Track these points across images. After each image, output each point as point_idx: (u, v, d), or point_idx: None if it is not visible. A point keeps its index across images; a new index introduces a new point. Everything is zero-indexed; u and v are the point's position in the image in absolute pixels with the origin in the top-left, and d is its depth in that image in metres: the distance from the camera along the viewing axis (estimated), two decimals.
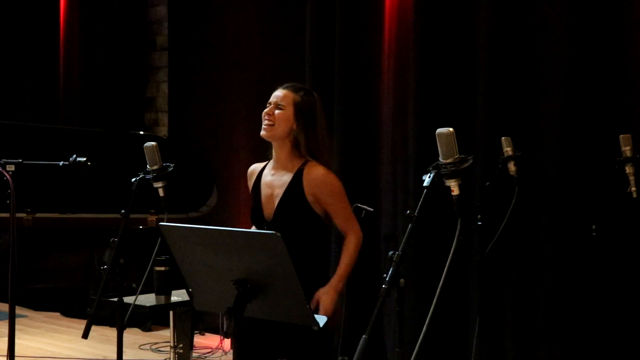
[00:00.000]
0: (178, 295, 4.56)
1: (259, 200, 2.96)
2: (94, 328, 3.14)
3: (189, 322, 4.70)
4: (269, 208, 2.92)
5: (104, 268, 3.15)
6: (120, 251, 3.14)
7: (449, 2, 4.87)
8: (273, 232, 2.21)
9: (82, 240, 5.20)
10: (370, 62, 5.27)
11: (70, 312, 7.10)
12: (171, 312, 4.58)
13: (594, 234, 3.93)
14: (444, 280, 2.28)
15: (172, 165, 3.31)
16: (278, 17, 6.19)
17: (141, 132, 6.38)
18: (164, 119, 7.21)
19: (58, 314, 7.19)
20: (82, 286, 6.47)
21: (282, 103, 2.90)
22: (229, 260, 2.29)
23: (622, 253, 4.17)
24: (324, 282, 2.89)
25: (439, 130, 2.35)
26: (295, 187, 2.86)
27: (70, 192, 5.38)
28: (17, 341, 3.81)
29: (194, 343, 5.12)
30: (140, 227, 5.47)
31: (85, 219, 5.50)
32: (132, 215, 3.31)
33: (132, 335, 6.14)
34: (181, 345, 4.64)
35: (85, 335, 3.09)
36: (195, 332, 5.51)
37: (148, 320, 6.37)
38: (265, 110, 2.92)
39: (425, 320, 2.26)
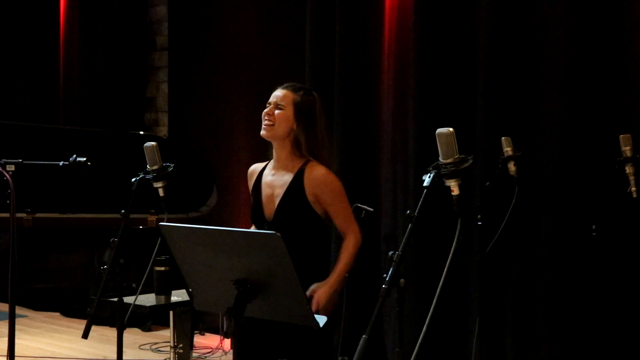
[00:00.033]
0: (178, 295, 4.56)
1: (260, 200, 2.96)
2: (94, 328, 3.14)
3: (189, 322, 4.70)
4: (270, 208, 2.92)
5: (104, 268, 3.15)
6: (120, 251, 3.14)
7: (449, 2, 4.87)
8: (273, 232, 2.21)
9: (82, 240, 5.20)
10: (370, 62, 5.27)
11: (70, 312, 7.10)
12: (171, 312, 4.58)
13: (594, 234, 3.93)
14: (444, 280, 2.28)
15: (172, 165, 3.31)
16: (278, 17, 6.19)
17: (141, 132, 6.38)
18: (164, 119, 7.21)
19: (58, 314, 7.19)
20: (82, 286, 6.47)
21: (282, 103, 2.90)
22: (229, 260, 2.29)
23: (622, 253, 4.17)
24: None
25: (439, 130, 2.35)
26: (296, 187, 2.86)
27: (70, 192, 5.38)
28: (17, 341, 3.81)
29: (194, 343, 5.12)
30: (140, 227, 5.47)
31: (85, 219, 5.50)
32: (132, 215, 3.31)
33: (132, 335, 6.13)
34: (181, 345, 4.64)
35: (85, 335, 3.09)
36: (195, 332, 5.51)
37: (148, 320, 6.37)
38: (265, 110, 2.92)
39: (425, 320, 2.26)
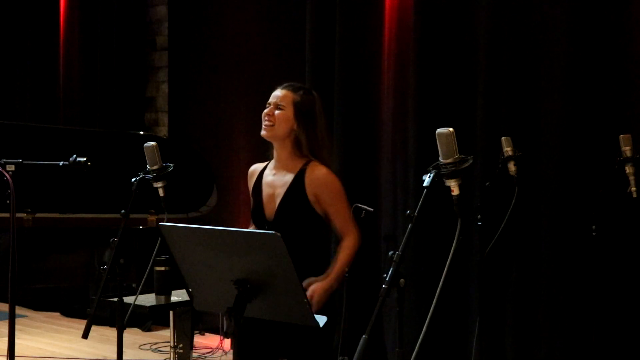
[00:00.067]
0: (178, 295, 4.56)
1: (260, 200, 2.95)
2: (94, 328, 3.14)
3: (189, 322, 4.70)
4: (270, 208, 2.92)
5: (104, 268, 3.15)
6: (120, 251, 3.14)
7: (449, 2, 4.87)
8: (273, 232, 2.21)
9: (82, 240, 5.20)
10: (370, 62, 5.27)
11: (70, 312, 7.10)
12: (171, 312, 4.58)
13: (594, 234, 3.93)
14: (444, 280, 2.28)
15: (172, 165, 3.31)
16: (278, 17, 6.19)
17: (141, 132, 6.38)
18: (164, 119, 7.21)
19: (58, 314, 7.19)
20: (82, 286, 6.47)
21: (282, 103, 2.90)
22: (229, 260, 2.29)
23: (622, 253, 4.17)
24: None
25: (439, 130, 2.35)
26: (296, 187, 2.86)
27: (70, 192, 5.38)
28: (17, 341, 3.81)
29: (194, 343, 5.12)
30: (140, 227, 5.47)
31: (85, 219, 5.50)
32: (132, 215, 3.30)
33: (132, 335, 6.13)
34: (181, 345, 4.64)
35: (85, 335, 3.09)
36: (195, 332, 5.51)
37: (148, 320, 6.37)
38: (265, 111, 2.92)
39: (425, 320, 2.26)
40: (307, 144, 2.89)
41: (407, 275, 2.28)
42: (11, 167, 3.66)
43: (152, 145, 3.31)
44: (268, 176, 2.98)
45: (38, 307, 7.31)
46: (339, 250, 2.88)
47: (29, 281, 5.00)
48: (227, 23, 6.59)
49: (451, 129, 2.34)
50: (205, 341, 5.95)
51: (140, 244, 5.00)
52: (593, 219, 3.95)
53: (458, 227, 2.28)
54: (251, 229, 2.99)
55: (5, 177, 3.60)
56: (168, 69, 7.13)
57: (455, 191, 2.34)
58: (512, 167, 4.13)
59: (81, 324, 4.39)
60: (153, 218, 5.65)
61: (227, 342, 5.67)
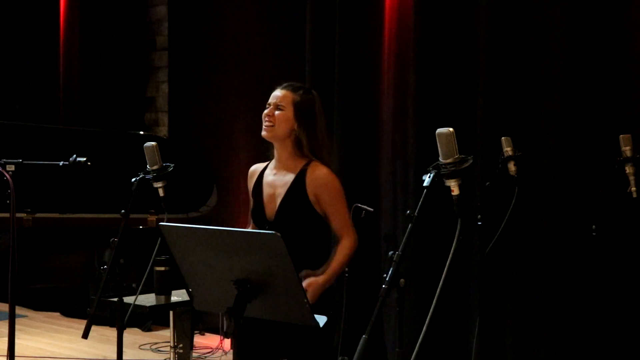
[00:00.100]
0: (178, 295, 4.56)
1: (261, 200, 2.95)
2: (94, 328, 3.14)
3: (189, 322, 4.70)
4: (271, 208, 2.92)
5: (104, 268, 3.15)
6: (120, 251, 3.14)
7: (449, 2, 4.87)
8: (273, 232, 2.21)
9: (82, 240, 5.20)
10: (370, 62, 5.27)
11: (70, 312, 7.09)
12: (171, 312, 4.58)
13: (594, 234, 3.93)
14: (444, 280, 2.28)
15: (172, 165, 3.31)
16: (278, 17, 6.19)
17: (141, 132, 6.38)
18: (164, 119, 7.21)
19: (58, 314, 7.19)
20: (82, 286, 6.47)
21: (282, 104, 2.90)
22: (229, 260, 2.29)
23: (622, 253, 4.17)
24: None
25: (439, 130, 2.35)
26: (297, 187, 2.86)
27: (70, 192, 5.38)
28: (17, 341, 3.81)
29: (194, 343, 5.12)
30: (140, 227, 5.48)
31: (85, 219, 5.51)
32: (132, 215, 3.31)
33: (132, 335, 6.13)
34: (181, 345, 4.64)
35: (85, 335, 3.09)
36: (195, 332, 5.51)
37: (148, 320, 6.37)
38: (265, 111, 2.92)
39: (425, 320, 2.26)
40: (307, 144, 2.89)
41: (407, 275, 2.28)
42: (11, 167, 3.66)
43: (152, 145, 3.31)
44: (269, 176, 2.98)
45: (38, 307, 7.31)
46: (336, 250, 2.86)
47: (29, 281, 5.00)
48: (227, 23, 6.59)
49: (451, 129, 2.34)
50: (205, 341, 5.95)
51: (140, 244, 5.01)
52: (593, 219, 3.95)
53: (458, 227, 2.28)
54: (249, 229, 2.98)
55: (5, 177, 3.60)
56: (168, 69, 7.13)
57: (455, 191, 2.34)
58: (512, 167, 4.13)
59: (81, 324, 4.39)
60: (153, 218, 5.65)
61: (227, 342, 5.67)
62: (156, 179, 3.29)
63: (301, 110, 2.89)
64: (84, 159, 3.71)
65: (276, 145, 2.95)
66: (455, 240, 2.27)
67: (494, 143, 4.38)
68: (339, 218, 2.87)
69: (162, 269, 4.53)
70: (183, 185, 4.63)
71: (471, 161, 2.33)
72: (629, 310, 4.17)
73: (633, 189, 3.78)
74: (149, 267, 3.59)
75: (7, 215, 3.67)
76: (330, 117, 5.11)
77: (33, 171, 4.05)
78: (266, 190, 2.95)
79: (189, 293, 2.47)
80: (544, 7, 4.50)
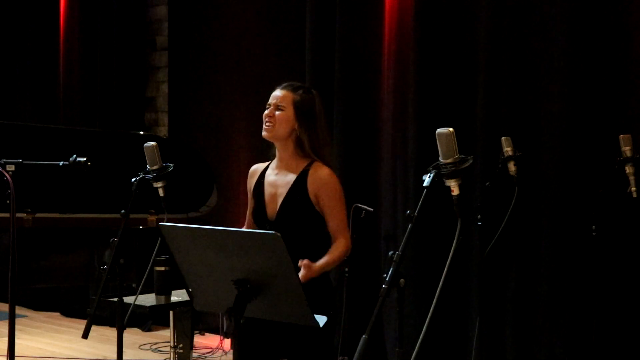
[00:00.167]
0: (178, 295, 4.55)
1: (262, 200, 2.95)
2: (94, 328, 3.14)
3: (189, 322, 4.69)
4: (272, 208, 2.92)
5: (104, 268, 3.15)
6: (120, 251, 3.14)
7: (449, 2, 4.87)
8: (273, 232, 2.21)
9: (82, 240, 5.20)
10: (370, 62, 5.27)
11: (70, 312, 7.10)
12: (171, 312, 4.58)
13: (594, 234, 3.93)
14: (444, 280, 2.28)
15: (172, 165, 3.31)
16: (278, 17, 6.19)
17: (141, 132, 6.38)
18: (164, 119, 7.21)
19: (58, 314, 7.20)
20: (82, 286, 6.47)
21: (282, 104, 2.90)
22: (229, 260, 2.29)
23: (622, 253, 4.17)
24: (324, 282, 2.89)
25: (439, 130, 2.35)
26: (299, 187, 2.86)
27: (70, 192, 5.38)
28: (17, 341, 3.81)
29: (194, 343, 5.12)
30: (140, 227, 5.47)
31: (85, 219, 5.50)
32: (132, 215, 3.31)
33: (132, 335, 6.14)
34: (181, 345, 4.64)
35: (85, 335, 3.09)
36: (195, 332, 5.51)
37: (148, 320, 6.37)
38: (266, 112, 2.92)
39: (425, 320, 2.26)
40: (309, 143, 2.89)
41: (407, 275, 2.28)
42: (11, 167, 3.66)
43: (152, 145, 3.31)
44: (270, 176, 2.98)
45: (38, 307, 7.31)
46: (331, 249, 2.84)
47: (29, 281, 5.00)
48: (227, 23, 6.59)
49: (451, 129, 2.34)
50: (205, 341, 5.95)
51: (140, 244, 5.00)
52: (593, 219, 3.95)
53: (458, 227, 2.28)
54: (249, 229, 2.98)
55: (5, 177, 3.60)
56: (168, 69, 7.13)
57: (455, 191, 2.34)
58: (512, 167, 4.13)
59: (81, 324, 4.39)
60: (153, 218, 5.65)
61: (227, 342, 5.67)
62: (156, 179, 3.29)
63: (301, 110, 2.89)
64: (84, 159, 3.71)
65: (277, 145, 2.95)
66: (455, 240, 2.27)
67: (494, 143, 4.38)
68: (335, 220, 2.86)
69: (162, 269, 4.53)
70: (183, 185, 4.62)
71: (471, 161, 2.33)
72: (629, 310, 4.17)
73: (633, 189, 3.78)
74: (149, 267, 3.58)
75: (7, 215, 3.67)
76: (330, 117, 5.11)
77: (33, 171, 4.05)
78: (267, 190, 2.95)
79: (189, 293, 2.47)
80: (544, 7, 4.50)
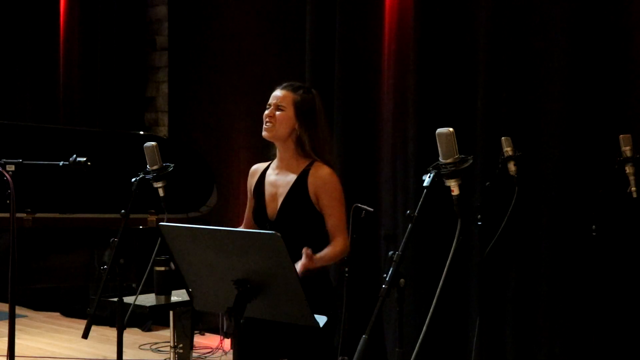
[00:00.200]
0: (178, 295, 4.56)
1: (263, 200, 2.95)
2: (94, 328, 3.14)
3: (189, 322, 4.70)
4: (272, 207, 2.92)
5: (104, 268, 3.15)
6: (120, 251, 3.14)
7: (449, 2, 4.87)
8: (273, 232, 2.21)
9: (82, 240, 5.20)
10: (370, 62, 5.27)
11: (70, 312, 7.10)
12: (171, 312, 4.58)
13: (594, 234, 3.93)
14: (444, 280, 2.28)
15: (172, 165, 3.31)
16: (278, 17, 6.19)
17: (141, 132, 6.38)
18: (164, 119, 7.21)
19: (58, 314, 7.20)
20: (82, 286, 6.47)
21: (282, 104, 2.90)
22: (229, 260, 2.29)
23: (622, 253, 4.17)
24: (324, 282, 2.89)
25: (439, 130, 2.35)
26: (299, 187, 2.86)
27: (70, 192, 5.38)
28: (17, 341, 3.81)
29: (194, 343, 5.12)
30: (140, 227, 5.47)
31: (85, 219, 5.50)
32: (132, 215, 3.31)
33: (132, 335, 6.14)
34: (181, 345, 4.64)
35: (85, 335, 3.09)
36: (195, 332, 5.51)
37: (148, 320, 6.37)
38: (266, 112, 2.92)
39: (425, 320, 2.26)
40: (309, 143, 2.89)
41: (407, 275, 2.28)
42: (11, 167, 3.66)
43: (152, 145, 3.31)
44: (271, 176, 2.98)
45: (38, 307, 7.31)
46: (329, 246, 2.83)
47: (29, 281, 4.99)
48: (227, 23, 6.59)
49: (451, 129, 2.34)
50: (205, 341, 5.95)
51: (140, 244, 5.00)
52: (593, 219, 3.95)
53: (458, 227, 2.28)
54: (249, 229, 2.98)
55: (5, 177, 3.60)
56: (168, 69, 7.12)
57: (455, 191, 2.34)
58: (512, 167, 4.13)
59: (81, 324, 4.39)
60: (153, 218, 5.64)
61: (227, 342, 5.67)
62: (156, 179, 3.29)
63: (302, 110, 2.89)
64: (84, 159, 3.71)
65: (278, 145, 2.95)
66: (455, 240, 2.27)
67: (494, 143, 4.38)
68: (334, 219, 2.85)
69: (162, 269, 4.53)
70: (183, 185, 4.62)
71: (471, 161, 2.33)
72: (629, 310, 4.17)
73: (633, 189, 3.78)
74: (149, 267, 3.58)
75: (7, 215, 3.67)
76: (330, 116, 5.11)
77: (33, 171, 4.05)
78: (268, 190, 2.95)
79: (189, 293, 2.48)
80: (544, 7, 4.50)
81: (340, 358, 4.38)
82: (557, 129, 4.41)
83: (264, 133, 2.92)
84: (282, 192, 2.90)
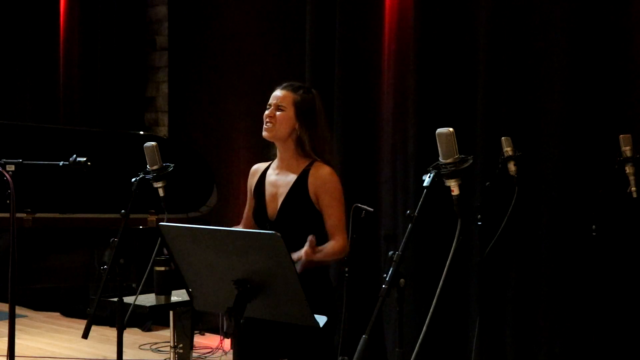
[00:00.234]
0: (178, 295, 4.56)
1: (263, 200, 2.95)
2: (94, 328, 3.14)
3: (189, 322, 4.69)
4: (273, 207, 2.92)
5: (104, 268, 3.15)
6: (120, 251, 3.14)
7: (449, 2, 4.87)
8: (273, 232, 2.21)
9: (82, 240, 5.19)
10: (370, 62, 5.27)
11: (70, 312, 7.10)
12: (171, 312, 4.58)
13: (594, 234, 3.93)
14: (444, 280, 2.28)
15: (172, 165, 3.31)
16: (278, 17, 6.19)
17: (141, 132, 6.38)
18: (164, 119, 7.21)
19: (58, 314, 7.20)
20: (82, 286, 6.47)
21: (282, 104, 2.90)
22: (229, 260, 2.29)
23: (622, 253, 4.17)
24: (324, 282, 2.89)
25: (439, 130, 2.35)
26: (299, 186, 2.86)
27: (70, 192, 5.38)
28: (17, 341, 3.81)
29: (194, 343, 5.12)
30: (140, 227, 5.47)
31: (85, 219, 5.50)
32: (132, 215, 3.31)
33: (132, 335, 6.14)
34: (181, 345, 4.64)
35: (85, 335, 3.09)
36: (195, 332, 5.51)
37: (148, 320, 6.37)
38: (266, 112, 2.92)
39: (425, 320, 2.26)
40: (309, 143, 2.90)
41: (407, 275, 2.28)
42: (11, 167, 3.66)
43: (152, 145, 3.31)
44: (271, 176, 2.98)
45: (38, 307, 7.31)
46: (329, 243, 2.82)
47: (29, 281, 4.99)
48: (227, 23, 6.59)
49: (451, 129, 2.34)
50: (205, 341, 5.95)
51: (140, 244, 5.00)
52: (593, 219, 3.95)
53: (458, 227, 2.28)
54: (244, 229, 2.99)
55: (5, 177, 3.60)
56: (168, 69, 7.12)
57: (455, 191, 2.34)
58: (512, 167, 4.13)
59: (81, 324, 4.39)
60: (153, 218, 5.64)
61: (227, 342, 5.67)
62: (156, 179, 3.29)
63: (302, 110, 2.90)
64: (84, 159, 3.71)
65: (278, 145, 2.95)
66: (455, 240, 2.27)
67: (494, 143, 4.38)
68: (333, 218, 2.85)
69: (162, 269, 4.53)
70: (183, 185, 4.62)
71: (471, 161, 2.33)
72: (629, 310, 4.17)
73: (633, 189, 3.78)
74: (149, 267, 3.58)
75: (7, 215, 3.67)
76: (330, 116, 5.11)
77: (33, 171, 4.05)
78: (268, 190, 2.95)
79: (189, 293, 2.48)
80: (544, 8, 4.50)
81: (340, 358, 4.38)
82: (557, 129, 4.41)
83: (264, 133, 2.92)
84: (282, 192, 2.90)
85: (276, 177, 2.95)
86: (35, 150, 4.57)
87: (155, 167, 3.29)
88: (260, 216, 2.95)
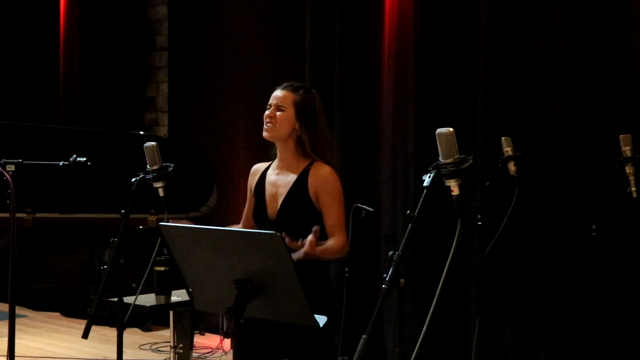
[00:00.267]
0: (178, 295, 4.56)
1: (263, 199, 2.95)
2: (94, 328, 3.14)
3: (189, 322, 4.69)
4: (273, 207, 2.92)
5: (104, 268, 3.15)
6: (120, 251, 3.14)
7: (449, 2, 4.87)
8: (273, 232, 2.21)
9: (82, 240, 5.20)
10: (370, 62, 5.28)
11: (70, 312, 7.10)
12: (171, 312, 4.58)
13: (594, 234, 3.93)
14: (444, 280, 2.28)
15: (172, 165, 3.31)
16: (278, 17, 6.19)
17: (141, 132, 6.38)
18: (164, 119, 7.21)
19: (58, 314, 7.20)
20: (82, 286, 6.47)
21: (283, 104, 2.90)
22: (229, 260, 2.29)
23: (622, 253, 4.17)
24: (324, 282, 2.89)
25: (439, 130, 2.35)
26: (299, 187, 2.86)
27: (70, 192, 5.38)
28: (17, 341, 3.81)
29: (194, 343, 5.12)
30: (140, 227, 5.47)
31: (85, 219, 5.50)
32: (132, 215, 3.31)
33: (132, 335, 6.14)
34: (181, 345, 4.64)
35: (85, 335, 3.09)
36: (195, 332, 5.51)
37: (148, 320, 6.37)
38: (266, 113, 2.92)
39: (425, 320, 2.26)
40: (309, 143, 2.90)
41: (407, 275, 2.28)
42: (11, 167, 3.66)
43: (152, 145, 3.31)
44: (271, 175, 2.98)
45: (38, 307, 7.31)
46: (329, 241, 2.81)
47: (29, 281, 5.00)
48: (227, 23, 6.59)
49: (451, 129, 2.34)
50: (205, 341, 5.95)
51: (140, 244, 5.00)
52: (593, 219, 3.95)
53: (458, 227, 2.28)
54: (244, 229, 2.99)
55: (5, 177, 3.60)
56: (168, 69, 7.13)
57: (455, 191, 2.34)
58: (512, 167, 4.13)
59: (81, 324, 4.40)
60: (153, 218, 5.65)
61: (227, 342, 5.67)
62: (156, 179, 3.29)
63: (302, 110, 2.90)
64: (84, 159, 3.71)
65: (278, 145, 2.95)
66: (455, 240, 2.27)
67: (494, 143, 4.38)
68: (333, 218, 2.84)
69: (162, 269, 4.53)
70: (183, 185, 4.62)
71: (471, 161, 2.33)
72: (629, 310, 4.17)
73: (633, 189, 3.78)
74: (149, 267, 3.58)
75: (7, 215, 3.67)
76: (330, 116, 5.11)
77: (33, 171, 4.05)
78: (268, 190, 2.96)
79: (189, 293, 2.47)
80: (544, 8, 4.50)
81: (340, 358, 4.39)
82: (557, 129, 4.41)
83: (264, 133, 2.92)
84: (283, 192, 2.90)
85: (276, 177, 2.95)
86: (35, 150, 4.57)
87: (155, 167, 3.29)
88: (260, 216, 2.95)
